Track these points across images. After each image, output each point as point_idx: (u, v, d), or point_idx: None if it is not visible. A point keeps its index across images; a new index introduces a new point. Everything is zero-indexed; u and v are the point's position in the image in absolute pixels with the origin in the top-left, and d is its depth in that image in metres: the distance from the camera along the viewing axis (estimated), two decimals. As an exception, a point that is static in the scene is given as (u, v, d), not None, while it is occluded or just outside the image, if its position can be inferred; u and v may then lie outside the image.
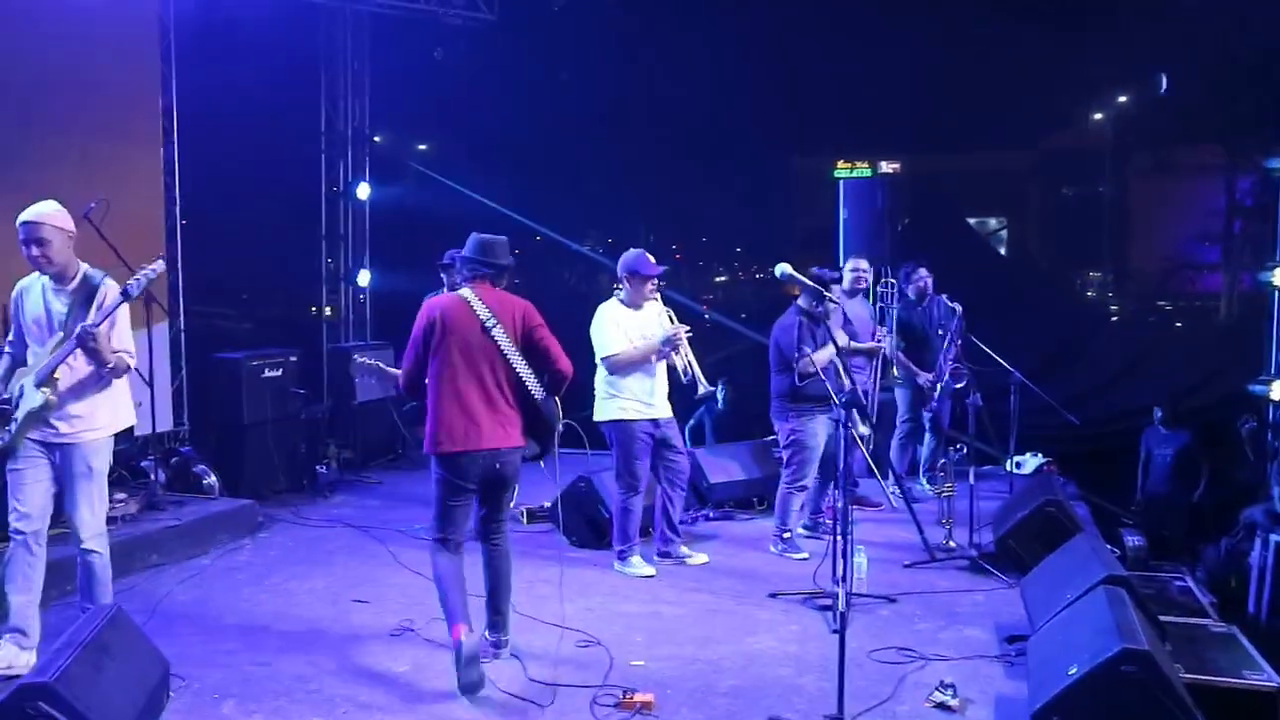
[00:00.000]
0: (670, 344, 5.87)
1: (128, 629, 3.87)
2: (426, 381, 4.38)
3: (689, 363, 5.94)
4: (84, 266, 4.49)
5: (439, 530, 4.44)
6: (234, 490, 7.37)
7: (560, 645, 4.74)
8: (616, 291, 6.00)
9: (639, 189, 11.35)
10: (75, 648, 3.37)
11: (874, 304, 7.82)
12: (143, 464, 7.09)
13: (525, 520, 7.07)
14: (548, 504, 6.96)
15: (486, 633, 4.55)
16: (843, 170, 9.04)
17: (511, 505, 4.79)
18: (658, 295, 5.99)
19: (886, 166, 9.36)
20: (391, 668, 4.52)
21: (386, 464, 9.22)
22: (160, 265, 4.46)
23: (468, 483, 4.35)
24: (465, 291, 4.43)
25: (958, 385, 7.27)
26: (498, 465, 4.37)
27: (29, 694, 3.06)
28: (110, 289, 4.42)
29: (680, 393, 6.13)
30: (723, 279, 14.62)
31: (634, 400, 5.83)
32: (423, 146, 11.97)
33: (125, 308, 4.41)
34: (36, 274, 4.45)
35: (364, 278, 10.66)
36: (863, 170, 9.06)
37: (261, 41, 9.02)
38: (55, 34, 7.99)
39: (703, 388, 5.96)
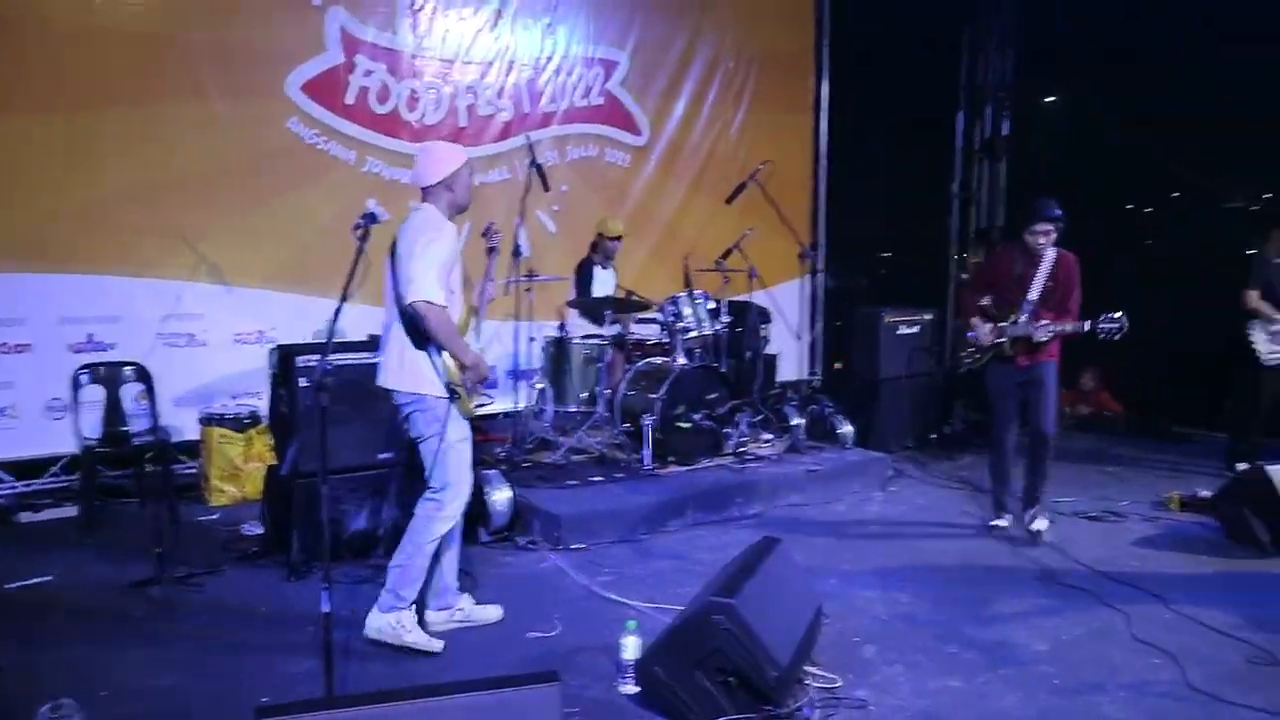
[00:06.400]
0: None
1: (789, 563, 4.14)
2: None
3: None
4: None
5: None
6: (864, 441, 7.61)
7: (1225, 655, 4.21)
8: None
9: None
10: (749, 573, 3.66)
11: None
12: (785, 409, 7.58)
13: (1176, 507, 6.40)
14: (1206, 493, 6.22)
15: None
16: None
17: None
18: None
19: None
20: (1028, 644, 4.32)
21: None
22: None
23: None
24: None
25: None
26: None
27: (715, 609, 3.39)
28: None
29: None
30: None
31: None
32: (1052, 99, 11.12)
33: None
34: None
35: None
36: None
37: (903, 6, 9.11)
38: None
39: None
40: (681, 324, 6.76)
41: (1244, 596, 4.88)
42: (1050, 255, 5.53)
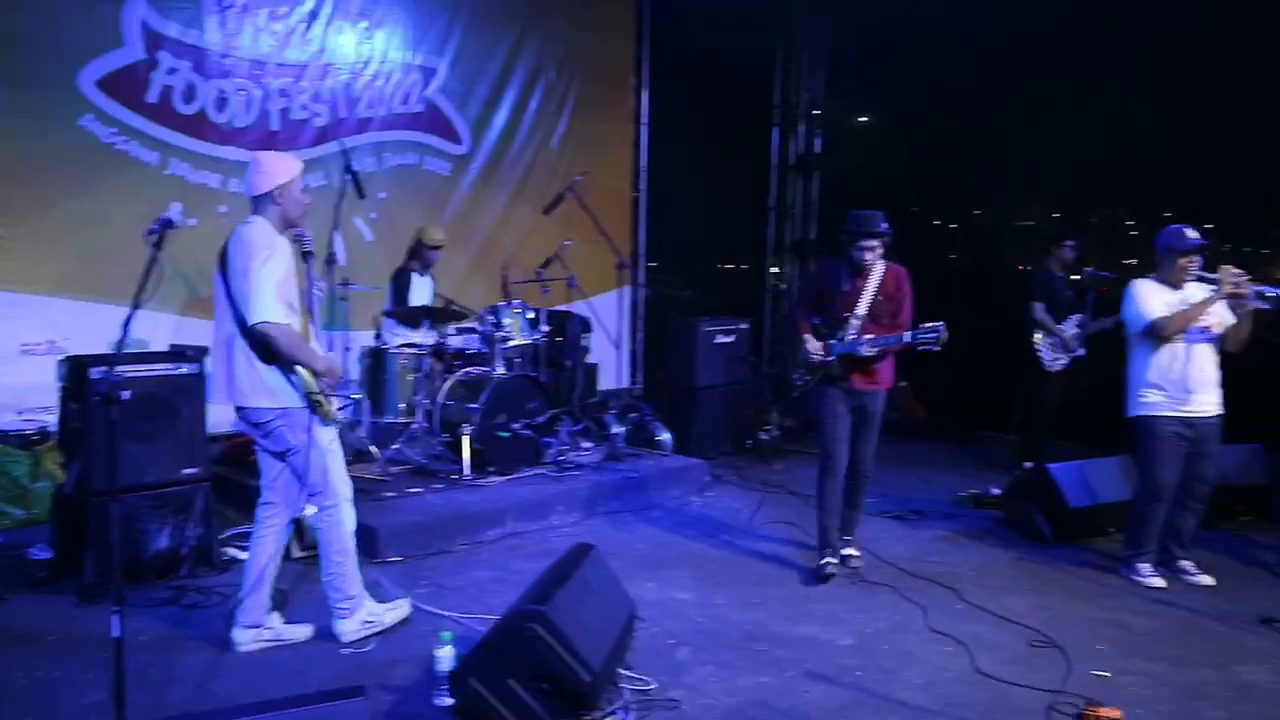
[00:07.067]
0: (1228, 288, 4.97)
1: (603, 569, 4.18)
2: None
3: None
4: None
5: None
6: (683, 448, 7.77)
7: (1010, 640, 4.51)
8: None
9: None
10: (562, 581, 3.69)
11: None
12: (605, 418, 7.65)
13: (972, 504, 6.81)
14: (997, 491, 6.65)
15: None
16: None
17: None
18: (1201, 276, 5.12)
19: None
20: (834, 639, 4.52)
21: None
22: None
23: None
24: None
25: None
26: None
27: (527, 617, 3.39)
28: None
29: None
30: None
31: (1162, 391, 5.14)
32: (865, 119, 11.69)
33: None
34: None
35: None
36: None
37: (721, 24, 9.35)
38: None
39: None
40: (501, 334, 6.73)
41: (1027, 585, 5.26)
42: (879, 269, 5.25)
